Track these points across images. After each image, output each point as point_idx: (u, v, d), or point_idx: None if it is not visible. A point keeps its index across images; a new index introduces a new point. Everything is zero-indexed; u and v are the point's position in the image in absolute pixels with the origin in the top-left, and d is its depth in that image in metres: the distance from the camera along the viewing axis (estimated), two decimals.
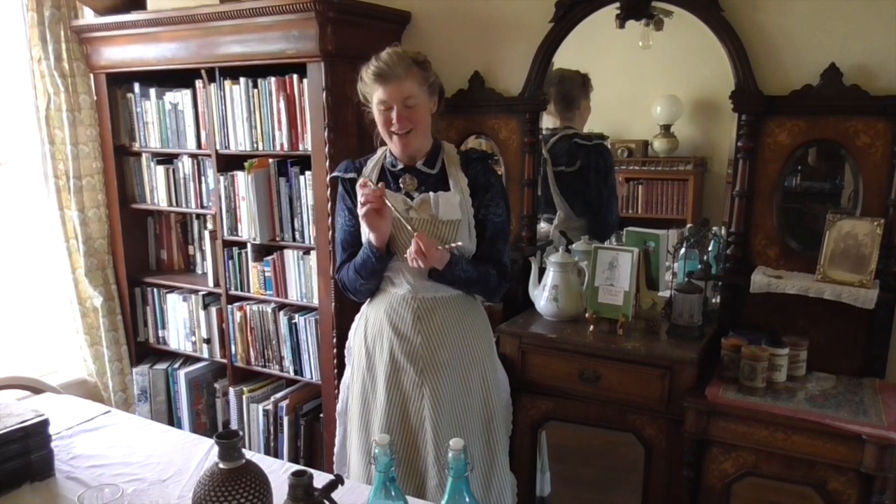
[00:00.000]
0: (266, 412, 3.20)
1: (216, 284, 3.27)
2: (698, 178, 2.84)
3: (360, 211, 2.03)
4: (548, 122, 2.90)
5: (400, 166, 2.19)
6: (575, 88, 2.88)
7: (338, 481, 1.42)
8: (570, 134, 2.95)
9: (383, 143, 2.25)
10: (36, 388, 2.75)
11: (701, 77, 2.74)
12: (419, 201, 2.14)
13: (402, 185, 2.17)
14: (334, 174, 2.32)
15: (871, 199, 2.30)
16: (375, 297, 2.27)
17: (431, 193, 2.13)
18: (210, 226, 3.33)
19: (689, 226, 2.81)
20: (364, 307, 2.33)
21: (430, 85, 2.14)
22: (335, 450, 2.46)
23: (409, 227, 2.06)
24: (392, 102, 2.07)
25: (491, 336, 2.35)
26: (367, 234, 2.11)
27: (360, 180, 2.09)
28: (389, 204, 2.04)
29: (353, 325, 2.37)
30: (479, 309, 2.31)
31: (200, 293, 3.36)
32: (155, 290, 3.51)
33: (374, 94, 2.10)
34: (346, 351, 2.43)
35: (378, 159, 2.25)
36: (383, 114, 2.09)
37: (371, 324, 2.26)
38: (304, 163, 2.89)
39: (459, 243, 2.08)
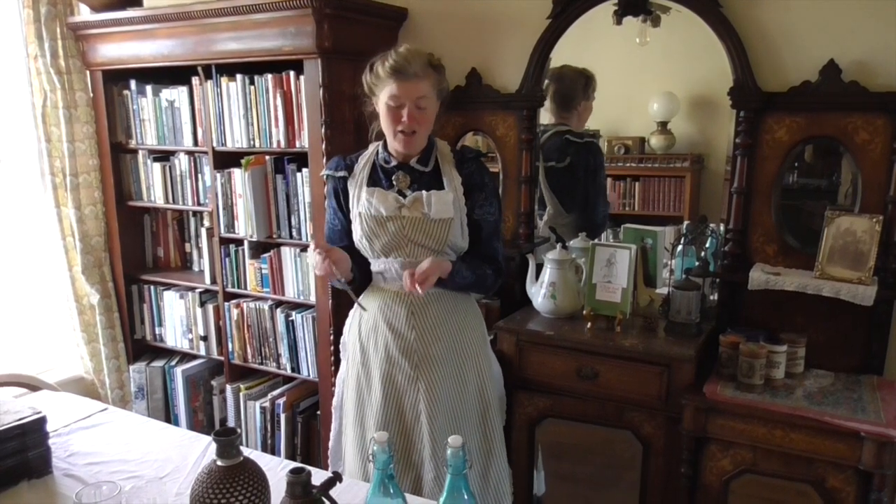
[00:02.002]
0: (263, 409, 3.19)
1: (213, 282, 3.27)
2: (695, 176, 2.84)
3: (317, 272, 2.10)
4: (544, 117, 2.90)
5: (393, 163, 2.19)
6: (576, 89, 2.88)
7: (336, 479, 1.42)
8: (563, 130, 2.95)
9: (377, 139, 2.25)
10: (33, 385, 2.75)
11: (698, 74, 2.74)
12: (412, 199, 2.14)
13: (394, 183, 2.17)
14: (324, 172, 2.33)
15: (870, 195, 2.30)
16: (369, 293, 2.27)
17: (424, 192, 2.13)
18: (207, 223, 3.33)
19: (686, 223, 2.81)
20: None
21: (440, 90, 2.15)
22: (330, 444, 2.47)
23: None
24: (405, 100, 2.06)
25: (484, 329, 2.35)
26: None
27: (312, 244, 2.08)
28: (336, 273, 2.07)
29: (348, 321, 2.38)
30: (471, 302, 2.32)
31: (197, 290, 3.36)
32: (152, 287, 3.50)
33: (385, 88, 2.08)
34: (341, 346, 2.44)
35: (370, 156, 2.24)
36: (392, 110, 2.08)
37: (365, 319, 2.26)
38: (301, 160, 2.88)
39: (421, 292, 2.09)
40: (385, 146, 2.20)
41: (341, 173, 2.24)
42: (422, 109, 2.08)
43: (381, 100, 2.10)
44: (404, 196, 2.15)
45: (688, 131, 2.83)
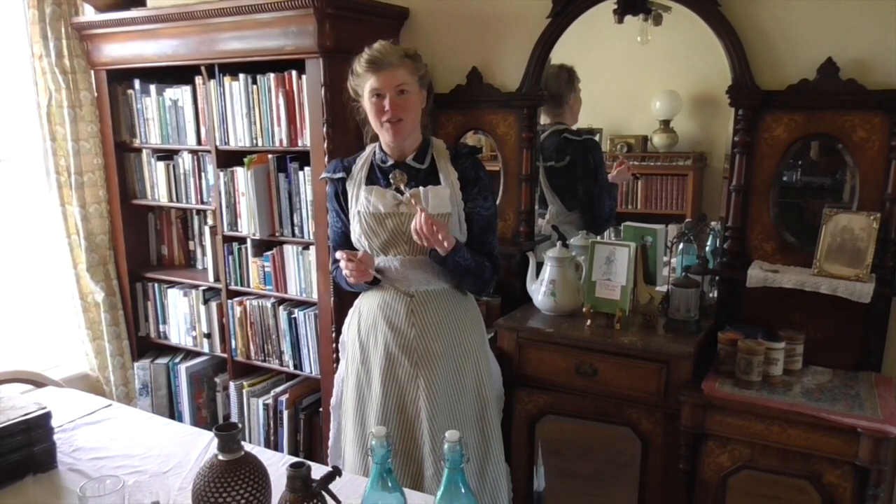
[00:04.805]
0: (266, 406, 3.21)
1: (216, 279, 3.29)
2: (698, 173, 2.85)
3: (351, 280, 2.14)
4: (541, 118, 2.91)
5: (390, 162, 2.21)
6: (561, 85, 2.89)
7: (335, 473, 1.43)
8: (561, 129, 2.96)
9: (373, 140, 2.26)
10: (38, 382, 2.77)
11: (700, 72, 2.75)
12: (409, 196, 2.15)
13: (391, 181, 2.18)
14: (323, 175, 2.35)
15: (868, 193, 2.31)
16: (368, 291, 2.29)
17: (421, 188, 2.15)
18: (210, 221, 3.35)
19: (686, 220, 2.82)
20: (357, 302, 2.35)
21: (420, 77, 2.17)
22: (329, 443, 2.48)
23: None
24: (385, 90, 2.08)
25: (483, 327, 2.37)
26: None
27: (340, 253, 2.11)
28: (373, 270, 2.14)
29: (347, 320, 2.39)
30: (470, 301, 2.33)
31: (201, 288, 3.38)
32: (156, 285, 3.52)
33: (366, 84, 2.11)
34: (340, 346, 2.45)
35: (367, 157, 2.26)
36: (375, 103, 2.11)
37: (364, 318, 2.28)
38: (303, 158, 2.90)
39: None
40: (381, 147, 2.22)
41: (339, 175, 2.26)
42: (403, 96, 2.10)
43: (365, 97, 2.13)
44: (402, 193, 2.17)
45: (690, 129, 2.84)
